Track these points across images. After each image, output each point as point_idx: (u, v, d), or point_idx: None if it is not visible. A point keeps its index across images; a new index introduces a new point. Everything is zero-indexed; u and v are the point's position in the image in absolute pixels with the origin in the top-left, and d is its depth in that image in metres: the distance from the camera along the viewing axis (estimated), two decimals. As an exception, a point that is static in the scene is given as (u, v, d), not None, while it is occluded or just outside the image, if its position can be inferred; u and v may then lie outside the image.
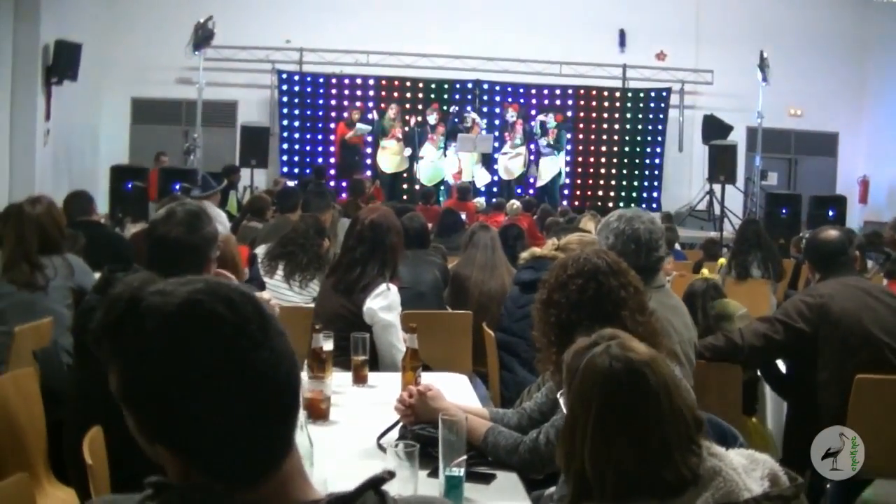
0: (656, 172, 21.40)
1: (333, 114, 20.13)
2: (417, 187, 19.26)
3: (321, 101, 20.27)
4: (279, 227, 7.91)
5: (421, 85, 20.38)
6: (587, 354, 2.31)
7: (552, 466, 2.95)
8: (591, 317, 3.09)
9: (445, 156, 19.41)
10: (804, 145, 22.41)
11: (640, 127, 21.31)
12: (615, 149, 21.21)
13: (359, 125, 19.02)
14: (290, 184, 16.66)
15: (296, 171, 19.74)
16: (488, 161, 19.81)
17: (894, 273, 7.50)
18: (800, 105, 21.63)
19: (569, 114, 20.71)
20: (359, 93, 20.24)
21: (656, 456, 2.18)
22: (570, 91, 21.06)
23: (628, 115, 21.26)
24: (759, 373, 5.26)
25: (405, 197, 18.79)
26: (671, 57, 21.21)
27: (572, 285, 3.18)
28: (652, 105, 21.36)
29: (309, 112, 20.19)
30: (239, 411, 1.38)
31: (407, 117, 19.63)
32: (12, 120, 14.60)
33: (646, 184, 21.41)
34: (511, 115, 20.03)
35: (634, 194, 21.19)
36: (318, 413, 3.81)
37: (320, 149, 20.25)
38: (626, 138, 21.23)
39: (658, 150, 21.38)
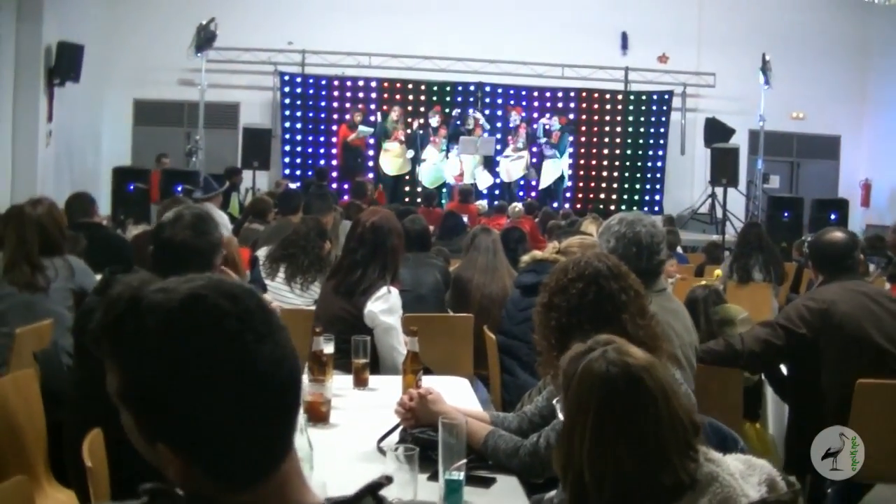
0: (658, 175, 21.41)
1: (335, 116, 20.12)
2: (419, 189, 19.26)
3: (323, 103, 20.26)
4: (281, 230, 7.91)
5: (423, 87, 20.39)
6: (583, 360, 2.31)
7: (552, 470, 2.93)
8: (592, 320, 3.09)
9: (447, 158, 19.42)
10: (806, 148, 22.41)
11: (642, 130, 21.33)
12: (617, 151, 21.22)
13: (361, 127, 19.02)
14: (292, 186, 16.67)
15: (298, 173, 19.73)
16: (490, 164, 19.82)
17: (896, 277, 7.49)
18: (802, 108, 21.63)
19: (571, 116, 20.70)
20: (361, 95, 20.24)
21: (654, 460, 2.18)
22: (572, 94, 21.06)
23: (630, 118, 21.27)
24: (762, 376, 5.26)
25: (406, 199, 18.79)
26: (673, 60, 21.21)
27: (573, 289, 3.17)
28: (654, 108, 21.37)
29: (311, 114, 20.18)
30: (243, 407, 1.37)
31: (409, 120, 19.63)
32: (14, 121, 14.61)
33: (648, 187, 21.42)
34: (515, 118, 20.04)
35: (636, 197, 21.19)
36: (319, 416, 3.80)
37: (322, 151, 20.26)
38: (629, 141, 21.24)
39: (660, 152, 21.40)
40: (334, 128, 20.00)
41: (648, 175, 21.43)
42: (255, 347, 1.38)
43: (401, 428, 3.49)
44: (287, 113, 20.06)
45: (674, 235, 11.64)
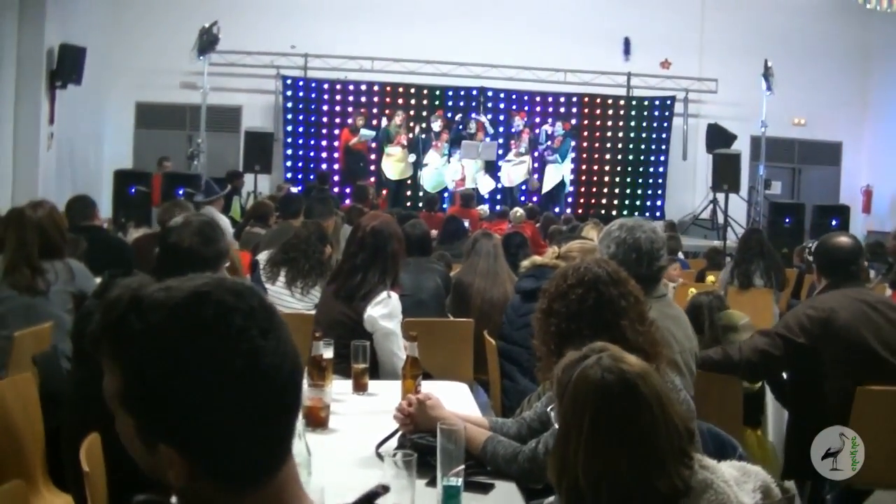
0: (660, 181, 21.42)
1: (338, 120, 20.14)
2: (421, 194, 19.26)
3: (325, 107, 20.27)
4: (282, 234, 7.90)
5: (425, 92, 20.41)
6: (578, 367, 2.30)
7: (551, 476, 2.94)
8: (591, 326, 3.09)
9: (449, 163, 19.43)
10: (808, 154, 22.42)
11: (644, 135, 21.35)
12: (619, 157, 21.25)
13: (363, 131, 19.03)
14: (294, 190, 16.66)
15: (300, 176, 19.76)
16: (492, 168, 19.83)
17: (898, 283, 7.48)
18: (803, 114, 21.66)
19: (573, 121, 20.71)
20: (363, 99, 20.25)
21: (650, 467, 2.17)
22: (574, 99, 21.09)
23: (632, 124, 21.29)
24: (764, 384, 5.24)
25: (408, 204, 18.79)
26: (675, 65, 21.24)
27: (572, 294, 3.17)
28: (656, 113, 21.39)
29: (313, 118, 20.19)
30: (247, 403, 1.36)
31: (411, 124, 19.64)
32: (16, 123, 14.60)
33: (649, 192, 21.42)
34: (518, 123, 20.04)
35: (638, 202, 21.20)
36: (318, 421, 3.79)
37: (324, 155, 20.26)
38: (630, 146, 21.26)
39: (662, 158, 21.41)
40: (336, 132, 20.02)
41: (650, 180, 21.43)
42: (260, 343, 1.37)
43: (400, 433, 3.48)
44: (289, 116, 20.07)
45: (675, 241, 11.64)
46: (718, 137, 19.87)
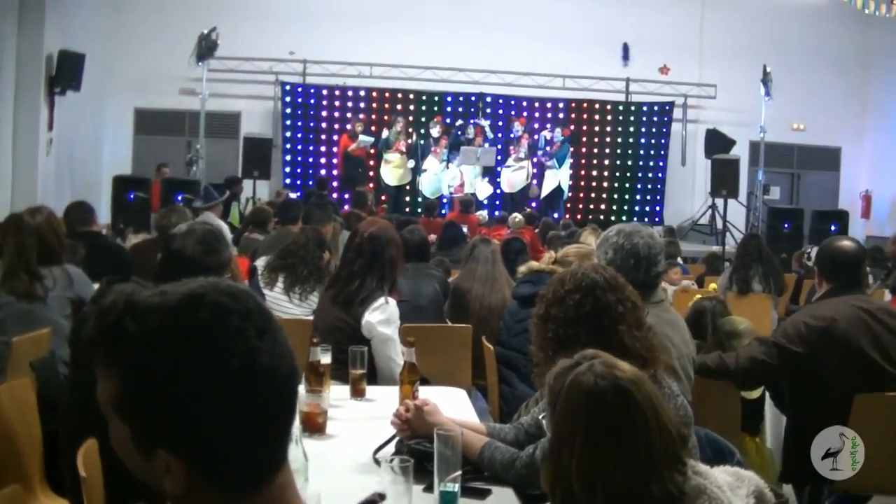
0: (659, 186, 21.44)
1: (336, 125, 20.15)
2: (420, 199, 19.27)
3: (324, 113, 20.29)
4: (280, 239, 7.90)
5: (424, 97, 20.41)
6: (570, 374, 2.30)
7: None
8: (589, 332, 3.09)
9: (447, 168, 19.43)
10: (807, 160, 22.44)
11: (642, 140, 21.37)
12: (618, 162, 21.26)
13: (362, 137, 19.03)
14: (293, 195, 16.66)
15: (298, 182, 19.75)
16: (490, 174, 19.84)
17: (898, 288, 7.46)
18: (802, 120, 21.67)
19: (572, 127, 20.71)
20: (362, 105, 20.27)
21: (644, 473, 2.17)
22: (573, 104, 21.09)
23: (631, 129, 21.30)
24: (764, 391, 5.23)
25: (407, 210, 18.80)
26: (674, 71, 21.26)
27: (570, 300, 3.17)
28: (655, 119, 21.40)
29: (312, 124, 20.20)
30: (245, 404, 1.36)
31: (409, 130, 19.65)
32: (15, 129, 14.61)
33: (648, 197, 21.44)
34: (517, 128, 20.05)
35: (637, 208, 21.23)
36: (315, 427, 3.79)
37: (323, 160, 20.28)
38: (629, 152, 21.28)
39: (661, 163, 21.43)
40: (335, 137, 20.03)
41: (649, 186, 21.45)
42: (256, 344, 1.37)
43: (397, 439, 3.48)
44: (288, 122, 20.07)
45: (674, 246, 11.64)
46: (717, 143, 19.89)
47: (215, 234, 3.98)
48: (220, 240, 3.99)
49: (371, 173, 19.63)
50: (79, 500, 3.03)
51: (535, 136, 20.18)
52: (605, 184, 21.31)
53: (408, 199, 19.73)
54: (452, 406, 4.00)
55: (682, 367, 4.00)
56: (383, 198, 19.18)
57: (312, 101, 20.22)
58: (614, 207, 21.14)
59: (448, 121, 20.11)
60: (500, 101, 20.82)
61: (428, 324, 6.23)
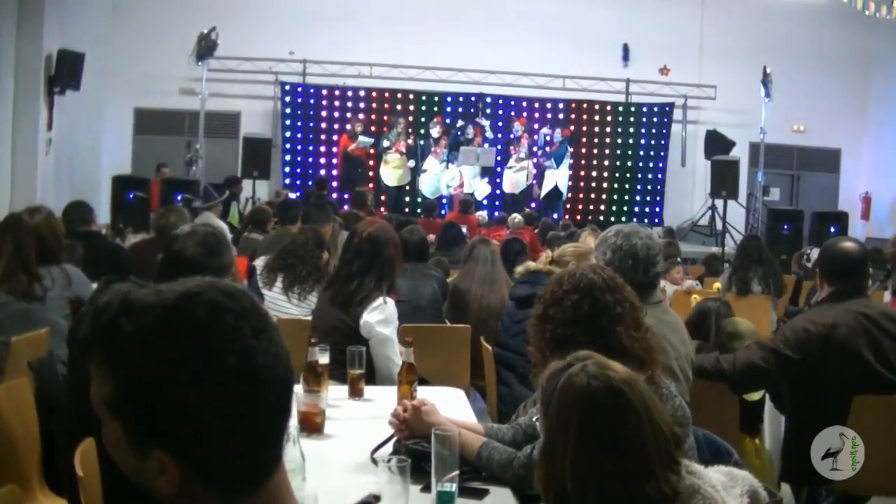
0: (658, 187, 21.43)
1: (336, 126, 20.14)
2: (420, 200, 19.26)
3: (324, 113, 20.28)
4: (279, 239, 7.89)
5: (424, 98, 20.40)
6: (563, 375, 2.30)
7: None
8: (587, 332, 3.08)
9: (447, 168, 19.42)
10: (807, 161, 22.43)
11: (642, 141, 21.37)
12: (617, 163, 21.25)
13: (361, 138, 19.02)
14: (292, 196, 16.66)
15: (298, 182, 19.75)
16: (489, 174, 19.82)
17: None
18: (802, 121, 21.67)
19: (572, 128, 20.70)
20: (362, 105, 20.25)
21: (638, 473, 2.17)
22: (573, 105, 21.08)
23: (631, 130, 21.30)
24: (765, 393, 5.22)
25: (406, 210, 18.80)
26: (674, 72, 21.26)
27: (568, 301, 3.16)
28: (655, 120, 21.40)
29: (312, 124, 20.20)
30: (240, 404, 1.35)
31: (409, 130, 19.64)
32: (14, 129, 14.59)
33: (648, 198, 21.44)
34: (517, 129, 20.04)
35: (636, 209, 21.23)
36: (313, 427, 3.79)
37: (323, 160, 20.27)
38: (629, 153, 21.27)
39: (660, 164, 21.43)
40: (335, 137, 20.02)
41: (649, 187, 21.45)
42: (252, 343, 1.37)
43: (395, 439, 3.48)
44: (287, 122, 20.07)
45: (673, 247, 11.63)
46: (717, 144, 19.88)
47: (217, 237, 3.97)
48: (223, 243, 3.98)
49: (371, 173, 19.61)
50: (77, 499, 3.03)
51: (535, 137, 20.17)
52: (605, 184, 21.30)
53: (407, 199, 19.71)
54: (450, 406, 4.00)
55: (681, 367, 4.00)
56: (382, 198, 19.17)
57: (312, 101, 20.21)
58: (614, 208, 21.13)
59: (448, 121, 20.10)
60: (500, 101, 20.81)
61: (427, 324, 6.23)
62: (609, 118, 21.26)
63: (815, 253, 12.38)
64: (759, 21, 20.86)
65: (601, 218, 18.87)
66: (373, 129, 19.76)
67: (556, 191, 19.95)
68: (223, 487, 1.38)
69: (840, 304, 4.68)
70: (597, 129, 21.24)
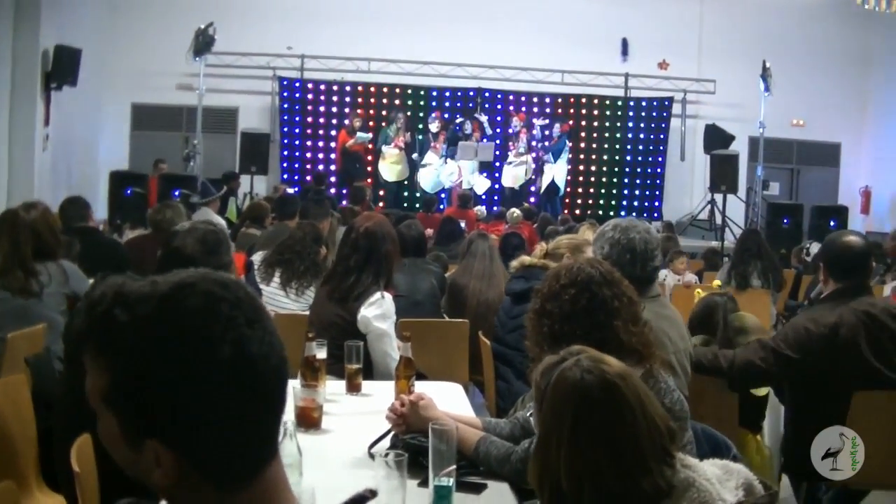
0: (658, 181, 21.40)
1: (334, 121, 20.10)
2: (419, 195, 19.25)
3: (322, 109, 20.24)
4: (277, 235, 7.89)
5: (422, 93, 20.39)
6: (556, 370, 2.30)
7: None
8: (585, 327, 3.08)
9: (446, 163, 19.41)
10: (806, 155, 22.41)
11: (641, 136, 21.34)
12: (616, 157, 21.22)
13: (359, 133, 19.00)
14: (290, 191, 16.65)
15: (296, 178, 19.73)
16: (487, 168, 19.79)
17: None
18: (802, 115, 21.64)
19: (570, 122, 20.68)
20: (360, 100, 20.22)
21: (633, 467, 2.17)
22: (571, 100, 21.05)
23: (630, 124, 21.28)
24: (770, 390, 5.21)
25: (405, 205, 18.79)
26: (673, 66, 21.23)
27: (565, 295, 3.15)
28: (654, 114, 21.37)
29: (310, 119, 20.16)
30: (235, 394, 1.35)
31: (407, 125, 19.61)
32: (11, 125, 14.56)
33: (647, 193, 21.41)
34: (516, 124, 20.02)
35: (636, 203, 21.19)
36: (311, 422, 3.78)
37: (321, 156, 20.23)
38: (628, 147, 21.25)
39: (660, 159, 21.40)
40: (333, 133, 19.98)
41: (648, 181, 21.42)
42: (246, 332, 1.37)
43: (392, 434, 3.47)
44: (286, 118, 20.05)
45: (672, 242, 11.64)
46: (716, 138, 19.87)
47: (217, 235, 3.97)
48: (223, 242, 3.98)
49: (369, 168, 19.59)
50: (74, 495, 3.02)
51: (534, 131, 20.15)
52: (604, 179, 21.26)
53: (406, 194, 19.70)
54: (448, 401, 3.99)
55: (679, 362, 3.99)
56: (381, 193, 19.17)
57: (310, 97, 20.18)
58: (613, 203, 21.09)
59: (447, 116, 20.08)
60: (499, 96, 20.77)
61: (425, 319, 6.23)
62: (608, 113, 21.22)
63: (814, 247, 12.41)
64: (758, 15, 20.84)
65: (600, 212, 18.81)
66: (371, 124, 19.73)
67: (553, 186, 19.90)
68: (219, 478, 1.37)
69: (844, 302, 4.66)
70: (596, 123, 21.20)
